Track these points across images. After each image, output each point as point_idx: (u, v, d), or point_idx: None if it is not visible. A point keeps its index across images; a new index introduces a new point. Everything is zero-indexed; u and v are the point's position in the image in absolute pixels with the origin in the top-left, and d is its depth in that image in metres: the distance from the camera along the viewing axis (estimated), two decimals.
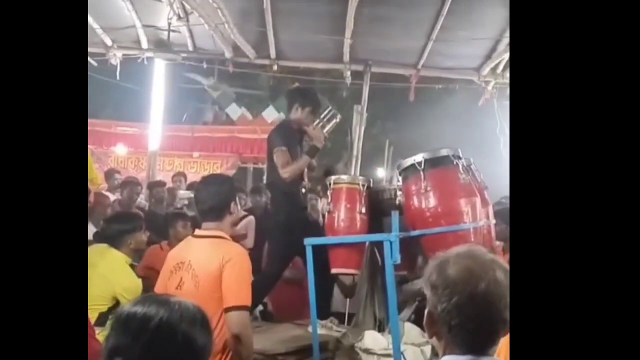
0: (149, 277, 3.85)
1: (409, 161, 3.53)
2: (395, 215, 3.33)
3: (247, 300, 2.83)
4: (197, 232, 3.09)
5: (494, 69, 7.98)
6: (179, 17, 6.53)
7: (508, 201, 6.24)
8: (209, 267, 2.84)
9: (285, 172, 4.13)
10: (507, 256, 3.84)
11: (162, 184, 7.04)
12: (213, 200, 3.01)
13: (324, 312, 4.22)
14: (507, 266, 1.47)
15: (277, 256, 4.40)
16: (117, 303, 3.54)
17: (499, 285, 1.42)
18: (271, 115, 12.90)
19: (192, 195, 6.58)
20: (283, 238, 4.13)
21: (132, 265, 3.87)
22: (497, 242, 4.54)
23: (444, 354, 1.48)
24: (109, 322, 3.25)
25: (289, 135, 4.34)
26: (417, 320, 3.79)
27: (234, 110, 13.27)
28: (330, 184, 3.78)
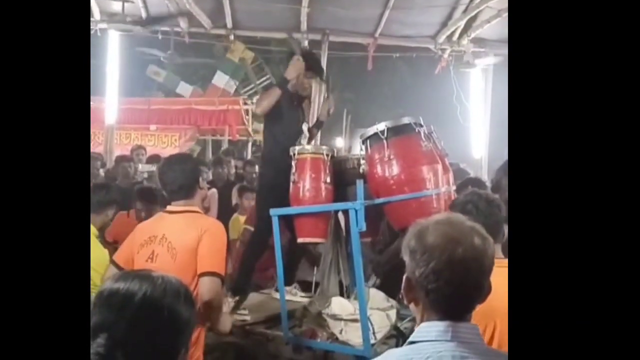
0: (117, 242, 3.81)
1: (371, 130, 3.57)
2: (359, 184, 3.38)
3: (221, 269, 2.87)
4: (170, 207, 3.10)
5: (450, 37, 8.05)
6: None
7: (464, 166, 6.40)
8: (186, 239, 2.88)
9: (259, 105, 4.29)
10: None
11: (129, 158, 6.96)
12: (181, 179, 3.04)
13: (289, 279, 4.29)
14: (486, 234, 1.50)
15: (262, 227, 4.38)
16: None
17: (477, 251, 1.45)
18: (221, 80, 12.73)
19: (153, 168, 6.55)
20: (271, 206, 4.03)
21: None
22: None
23: (422, 320, 1.50)
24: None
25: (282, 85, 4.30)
26: (381, 286, 3.89)
27: (185, 89, 13.08)
28: (294, 154, 3.79)
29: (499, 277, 1.53)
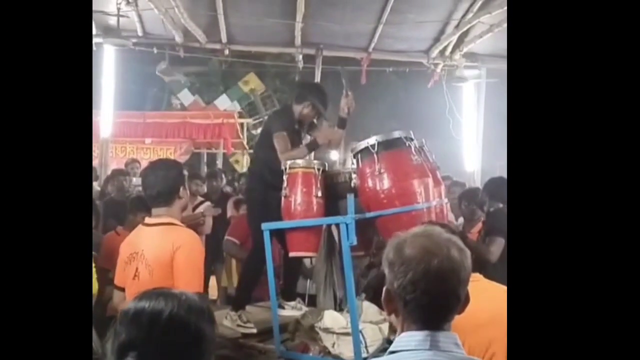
0: (109, 268, 3.76)
1: (362, 144, 3.59)
2: (350, 198, 3.40)
3: (199, 286, 2.85)
4: (147, 220, 3.06)
5: (442, 51, 8.12)
6: (128, 2, 6.42)
7: (461, 180, 6.47)
8: (160, 254, 2.84)
9: (284, 157, 4.01)
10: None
11: (125, 172, 6.97)
12: (161, 184, 2.98)
13: (291, 293, 4.29)
14: (463, 245, 1.53)
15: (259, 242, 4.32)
16: None
17: (453, 262, 1.48)
18: (224, 103, 12.86)
19: None
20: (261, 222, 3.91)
21: None
22: (460, 220, 4.76)
23: (402, 330, 1.54)
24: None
25: (288, 121, 4.25)
26: (373, 299, 3.90)
27: (186, 96, 13.15)
28: (285, 169, 3.81)
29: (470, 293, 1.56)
